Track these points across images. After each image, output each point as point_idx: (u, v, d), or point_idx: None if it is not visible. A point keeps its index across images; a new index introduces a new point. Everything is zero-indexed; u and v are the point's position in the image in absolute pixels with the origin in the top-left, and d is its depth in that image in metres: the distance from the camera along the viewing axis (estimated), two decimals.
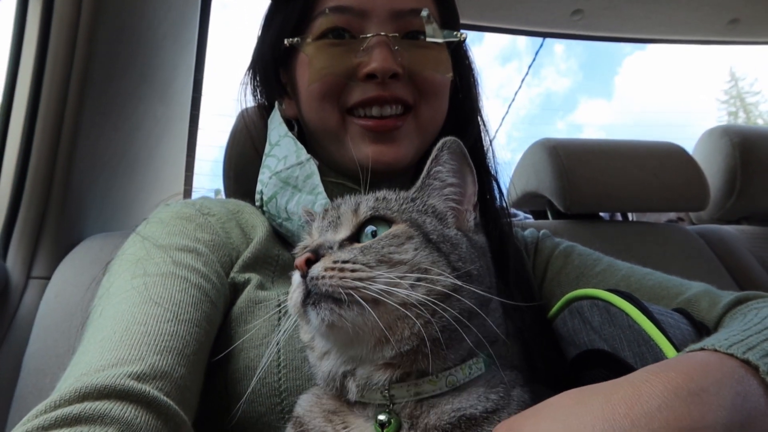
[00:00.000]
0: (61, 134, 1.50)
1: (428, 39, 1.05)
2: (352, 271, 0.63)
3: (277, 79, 1.13)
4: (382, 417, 0.64)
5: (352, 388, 0.68)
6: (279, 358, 0.83)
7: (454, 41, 1.09)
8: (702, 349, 0.61)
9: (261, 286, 0.92)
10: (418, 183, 0.79)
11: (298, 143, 1.05)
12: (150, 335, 0.72)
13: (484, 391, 0.66)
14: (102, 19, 1.51)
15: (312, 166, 1.02)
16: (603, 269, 1.07)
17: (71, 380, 0.65)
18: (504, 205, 1.15)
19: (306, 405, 0.72)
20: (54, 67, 1.47)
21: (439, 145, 0.78)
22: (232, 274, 0.92)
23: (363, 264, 0.65)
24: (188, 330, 0.76)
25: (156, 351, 0.70)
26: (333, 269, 0.64)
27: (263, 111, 1.22)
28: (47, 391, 1.22)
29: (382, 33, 0.99)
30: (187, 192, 2.21)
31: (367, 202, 0.74)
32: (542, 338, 0.96)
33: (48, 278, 1.45)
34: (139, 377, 0.65)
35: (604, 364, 0.80)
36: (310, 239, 0.77)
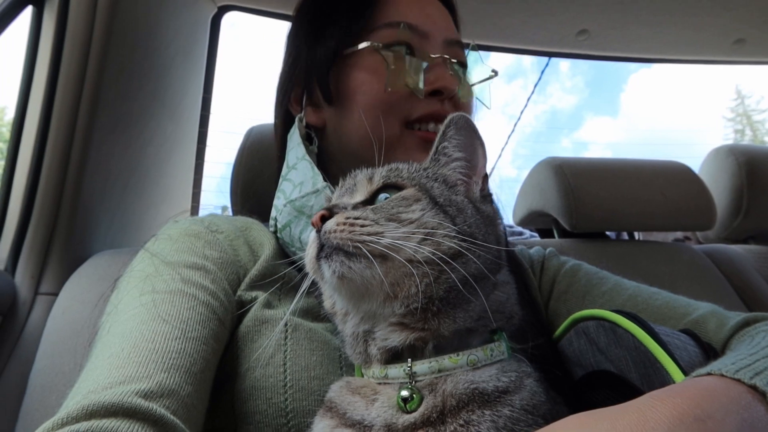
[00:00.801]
0: (72, 151, 1.52)
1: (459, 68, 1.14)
2: (362, 226, 0.68)
3: (327, 86, 1.12)
4: (404, 393, 0.66)
5: (375, 352, 0.71)
6: (285, 378, 0.83)
7: (491, 77, 1.21)
8: (709, 373, 0.60)
9: (268, 305, 0.92)
10: (429, 156, 0.83)
11: (315, 169, 1.04)
12: (158, 353, 0.72)
13: (497, 373, 0.68)
14: (114, 38, 1.53)
15: (328, 195, 1.00)
16: (609, 288, 1.06)
17: (79, 397, 0.65)
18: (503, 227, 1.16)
19: (336, 388, 0.75)
20: (66, 85, 1.50)
21: (446, 121, 0.82)
22: (239, 292, 0.92)
23: (373, 221, 0.69)
24: (196, 348, 0.76)
25: (163, 369, 0.70)
26: (344, 224, 0.68)
27: (283, 127, 1.21)
28: (53, 408, 1.22)
29: (446, 56, 1.09)
30: (194, 208, 2.23)
31: (380, 172, 0.79)
32: (548, 357, 0.95)
33: (56, 294, 1.46)
34: (147, 395, 0.65)
35: (611, 386, 0.79)
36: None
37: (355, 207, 0.74)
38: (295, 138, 1.11)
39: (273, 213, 1.09)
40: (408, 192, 0.74)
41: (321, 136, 1.15)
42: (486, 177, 0.85)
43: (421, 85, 1.05)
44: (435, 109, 1.06)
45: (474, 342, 0.71)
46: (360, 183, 0.79)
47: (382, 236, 0.66)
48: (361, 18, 1.10)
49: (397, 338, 0.69)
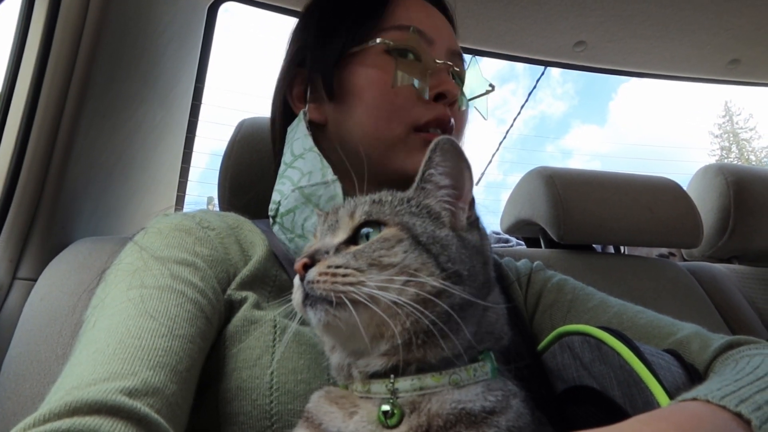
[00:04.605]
0: (59, 134, 1.48)
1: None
2: (344, 275, 0.67)
3: (331, 83, 1.12)
4: (385, 407, 0.65)
5: (356, 374, 0.71)
6: (272, 380, 0.82)
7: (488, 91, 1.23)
8: (694, 398, 0.61)
9: (257, 306, 0.91)
10: (414, 184, 0.80)
11: (324, 161, 1.05)
12: (144, 350, 0.71)
13: (482, 392, 0.67)
14: (108, 21, 1.50)
15: (337, 188, 1.02)
16: (595, 305, 1.07)
17: (61, 393, 0.64)
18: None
19: (315, 398, 0.74)
20: (56, 67, 1.47)
21: (431, 146, 0.79)
22: (229, 291, 0.91)
23: (354, 269, 0.67)
24: (182, 346, 0.75)
25: (149, 366, 0.69)
26: (326, 274, 0.67)
27: (282, 119, 1.21)
28: (26, 397, 1.21)
29: (449, 63, 1.11)
30: (180, 198, 2.21)
31: (362, 207, 0.76)
32: (532, 370, 0.95)
33: (34, 280, 1.42)
34: (131, 393, 0.64)
35: (594, 402, 0.79)
36: (314, 240, 0.80)
37: (338, 248, 0.72)
38: (300, 130, 1.11)
39: (276, 197, 1.08)
40: (389, 232, 0.71)
41: (320, 132, 1.14)
42: (473, 201, 0.82)
43: (426, 87, 1.06)
44: (441, 113, 1.08)
45: (458, 361, 0.70)
46: (342, 220, 0.76)
47: (364, 285, 0.66)
48: (370, 18, 1.11)
49: (379, 363, 0.69)
